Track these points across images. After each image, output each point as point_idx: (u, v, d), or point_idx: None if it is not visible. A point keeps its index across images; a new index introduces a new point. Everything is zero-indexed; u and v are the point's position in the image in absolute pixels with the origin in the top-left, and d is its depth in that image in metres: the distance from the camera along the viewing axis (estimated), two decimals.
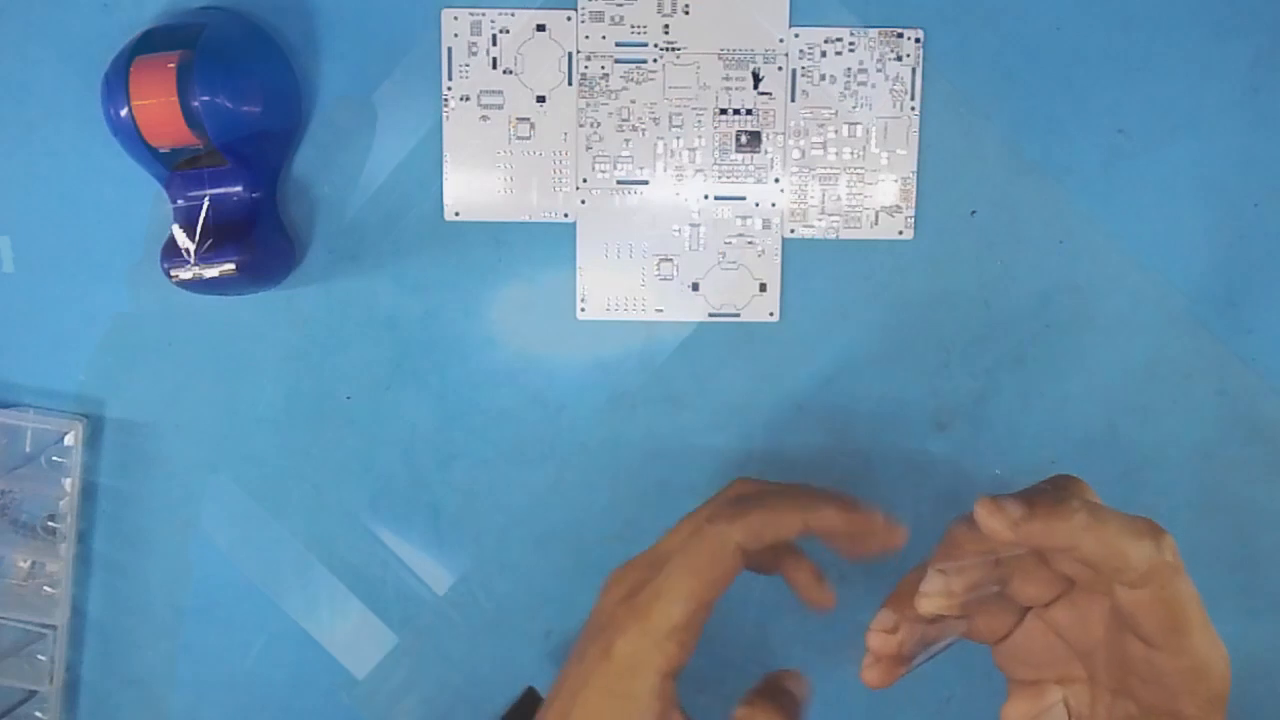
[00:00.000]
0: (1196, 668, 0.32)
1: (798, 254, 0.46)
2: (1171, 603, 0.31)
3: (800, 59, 0.45)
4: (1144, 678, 0.33)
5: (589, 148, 0.45)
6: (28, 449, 0.46)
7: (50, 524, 0.46)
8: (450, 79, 0.45)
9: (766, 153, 0.45)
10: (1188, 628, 0.31)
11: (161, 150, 0.41)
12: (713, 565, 0.37)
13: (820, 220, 0.46)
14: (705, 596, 0.37)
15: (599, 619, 0.38)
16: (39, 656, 0.46)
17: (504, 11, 0.44)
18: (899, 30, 0.45)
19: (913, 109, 0.45)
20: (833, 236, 0.46)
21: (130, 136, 0.40)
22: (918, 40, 0.45)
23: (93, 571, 0.47)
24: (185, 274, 0.41)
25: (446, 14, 0.44)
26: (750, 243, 0.46)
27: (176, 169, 0.42)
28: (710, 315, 0.46)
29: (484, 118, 0.45)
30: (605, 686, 0.36)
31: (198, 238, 0.41)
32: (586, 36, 0.45)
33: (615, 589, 0.38)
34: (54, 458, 0.46)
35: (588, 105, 0.45)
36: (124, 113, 0.39)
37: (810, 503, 0.37)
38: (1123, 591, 0.32)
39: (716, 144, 0.45)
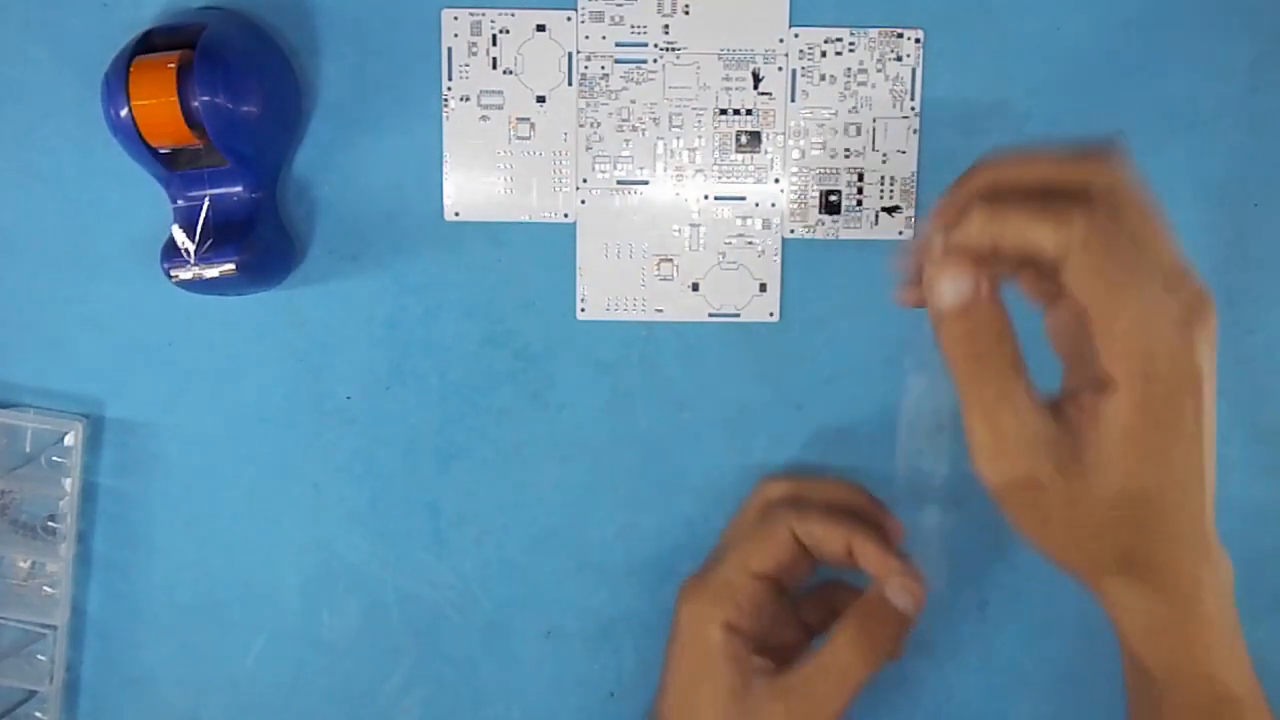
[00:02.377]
0: (1153, 317, 0.31)
1: (798, 254, 0.46)
2: (1097, 260, 0.31)
3: (800, 59, 0.45)
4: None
5: (589, 148, 0.45)
6: (28, 449, 0.46)
7: (50, 524, 0.46)
8: (450, 79, 0.45)
9: (766, 153, 0.45)
10: (1130, 270, 0.31)
11: (161, 150, 0.41)
12: (766, 539, 0.42)
13: (820, 220, 0.46)
14: (756, 565, 0.41)
15: (675, 611, 0.42)
16: (39, 656, 0.46)
17: (504, 11, 0.44)
18: (899, 30, 0.45)
19: (913, 109, 0.45)
20: (833, 236, 0.46)
21: (130, 136, 0.40)
22: (918, 40, 0.45)
23: (93, 571, 0.47)
24: (185, 274, 0.41)
25: (446, 14, 0.44)
26: (750, 243, 0.46)
27: (176, 169, 0.42)
28: (710, 315, 0.46)
29: (484, 118, 0.45)
30: (682, 647, 0.41)
31: (198, 238, 0.41)
32: (586, 36, 0.45)
33: (685, 582, 0.42)
34: (54, 458, 0.46)
35: (588, 105, 0.45)
36: (124, 113, 0.39)
37: (860, 527, 0.41)
38: (1060, 267, 0.32)
39: (716, 144, 0.45)
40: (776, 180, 0.46)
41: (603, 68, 0.45)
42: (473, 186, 0.45)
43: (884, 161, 0.45)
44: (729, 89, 0.45)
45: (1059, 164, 0.33)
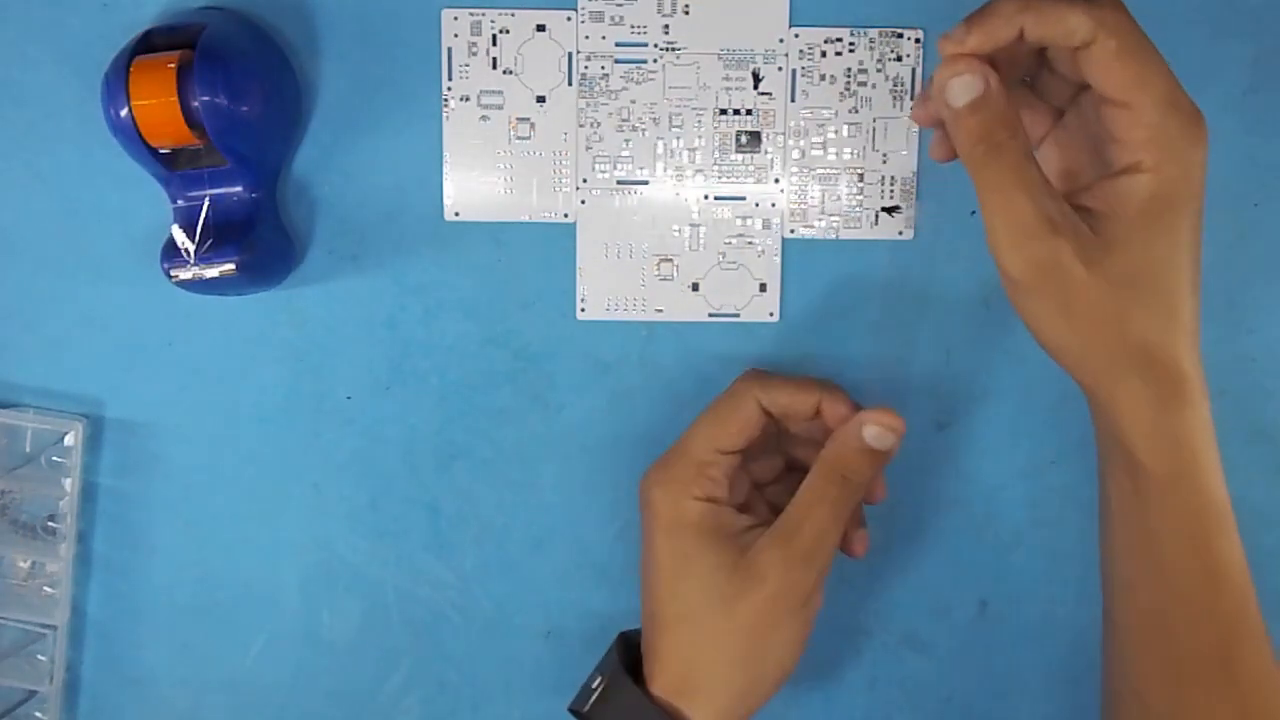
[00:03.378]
0: (1169, 111, 0.33)
1: (798, 254, 0.46)
2: (1123, 47, 0.33)
3: (800, 59, 0.45)
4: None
5: (589, 148, 0.45)
6: (28, 449, 0.46)
7: (50, 524, 0.46)
8: (450, 79, 0.45)
9: (766, 153, 0.45)
10: (1150, 67, 0.33)
11: (161, 150, 0.41)
12: (731, 413, 0.41)
13: (820, 220, 0.46)
14: (723, 441, 0.41)
15: (641, 499, 0.41)
16: (39, 656, 0.46)
17: (504, 11, 0.44)
18: (899, 30, 0.45)
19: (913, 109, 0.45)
20: (833, 236, 0.46)
21: (130, 136, 0.40)
22: (918, 40, 0.45)
23: (93, 571, 0.47)
24: (185, 274, 0.41)
25: (446, 14, 0.44)
26: (750, 243, 0.46)
27: (176, 169, 0.42)
28: (710, 315, 0.46)
29: (484, 118, 0.45)
30: (662, 532, 0.40)
31: (198, 238, 0.41)
32: (586, 36, 0.45)
33: (649, 469, 0.41)
34: (54, 458, 0.46)
35: (588, 105, 0.45)
36: (124, 113, 0.39)
37: (829, 388, 0.41)
38: (1085, 62, 0.34)
39: (716, 144, 0.45)
40: (776, 180, 0.46)
41: (603, 68, 0.45)
42: (473, 186, 0.45)
43: (884, 161, 0.45)
44: (729, 89, 0.45)
45: (1044, 8, 0.34)
